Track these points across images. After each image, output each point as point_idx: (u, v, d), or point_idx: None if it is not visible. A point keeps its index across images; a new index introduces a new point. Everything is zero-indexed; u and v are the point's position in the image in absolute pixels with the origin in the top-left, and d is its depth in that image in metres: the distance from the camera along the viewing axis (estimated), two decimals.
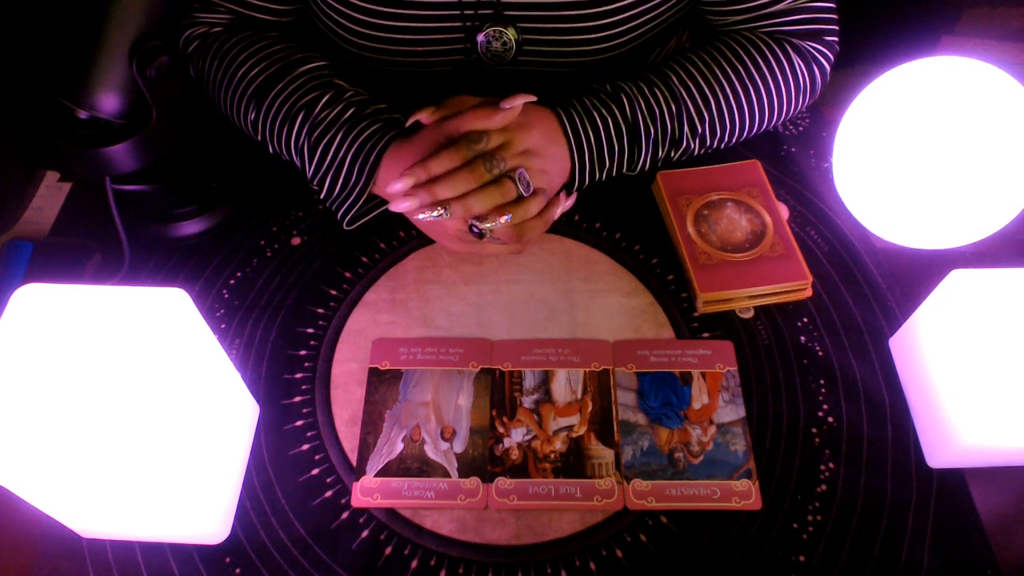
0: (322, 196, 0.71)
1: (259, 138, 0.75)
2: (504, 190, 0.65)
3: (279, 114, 0.71)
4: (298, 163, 0.72)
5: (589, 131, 0.71)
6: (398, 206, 0.65)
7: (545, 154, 0.69)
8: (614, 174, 0.75)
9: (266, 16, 0.78)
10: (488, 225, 0.65)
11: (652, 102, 0.72)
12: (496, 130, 0.67)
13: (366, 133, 0.69)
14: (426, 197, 0.64)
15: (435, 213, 0.64)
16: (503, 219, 0.65)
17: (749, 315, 0.71)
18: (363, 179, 0.69)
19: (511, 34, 0.74)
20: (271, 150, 0.74)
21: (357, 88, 0.73)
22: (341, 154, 0.69)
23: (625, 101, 0.72)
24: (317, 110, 0.70)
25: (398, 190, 0.65)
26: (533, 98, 0.69)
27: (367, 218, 0.72)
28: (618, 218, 0.77)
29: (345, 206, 0.70)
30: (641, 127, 0.72)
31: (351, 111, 0.70)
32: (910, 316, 0.65)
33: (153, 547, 0.59)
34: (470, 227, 0.66)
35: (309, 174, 0.71)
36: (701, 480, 0.61)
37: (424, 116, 0.68)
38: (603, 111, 0.71)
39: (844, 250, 0.75)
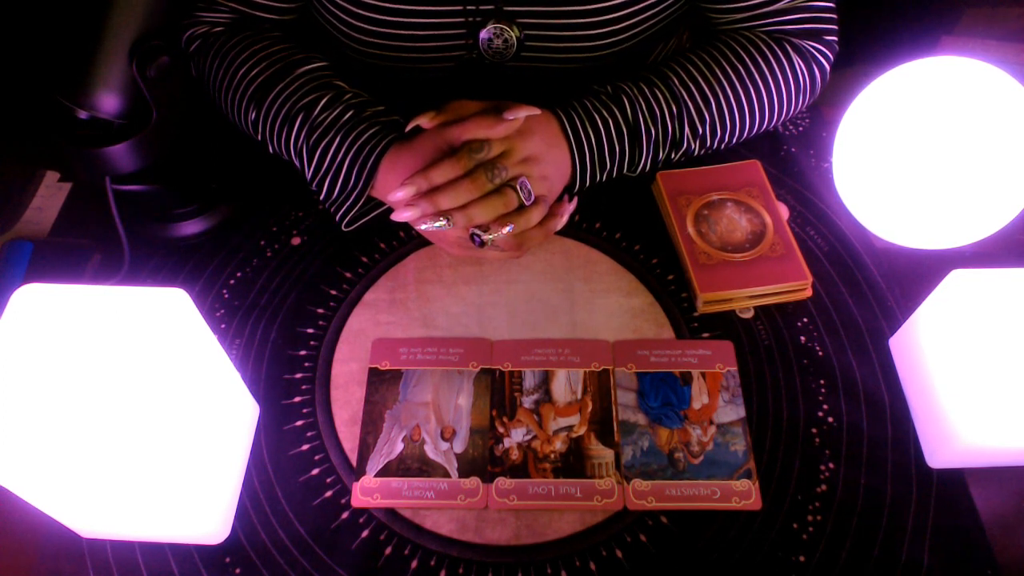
0: (321, 197, 0.71)
1: (259, 138, 0.75)
2: (506, 200, 0.65)
3: (279, 115, 0.71)
4: (297, 164, 0.72)
5: (590, 133, 0.71)
6: (400, 215, 0.65)
7: (546, 160, 0.69)
8: (614, 176, 0.75)
9: (268, 15, 0.78)
10: (490, 236, 0.65)
11: (653, 103, 0.72)
12: (497, 139, 0.67)
13: (365, 136, 0.69)
14: (428, 207, 0.64)
15: (437, 223, 0.64)
16: (505, 230, 0.65)
17: (749, 315, 0.71)
18: (361, 182, 0.69)
19: (513, 32, 0.74)
20: (271, 150, 0.74)
21: (357, 90, 0.73)
22: (340, 157, 0.69)
23: (626, 102, 0.72)
24: (316, 112, 0.70)
25: (399, 199, 0.65)
26: (537, 111, 0.69)
27: (365, 219, 0.72)
28: (618, 218, 0.77)
29: (344, 208, 0.70)
30: (642, 128, 0.72)
31: (350, 113, 0.70)
32: (910, 316, 0.65)
33: (153, 547, 0.59)
34: (471, 236, 0.66)
35: (308, 175, 0.71)
36: (701, 480, 0.61)
37: (424, 121, 0.68)
38: (604, 112, 0.71)
39: (844, 250, 0.75)
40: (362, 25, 0.76)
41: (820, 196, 0.79)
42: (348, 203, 0.70)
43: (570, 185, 0.73)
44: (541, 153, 0.69)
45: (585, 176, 0.72)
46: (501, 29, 0.74)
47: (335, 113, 0.70)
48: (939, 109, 0.64)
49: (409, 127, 0.69)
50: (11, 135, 0.86)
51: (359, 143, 0.69)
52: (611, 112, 0.72)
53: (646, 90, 0.73)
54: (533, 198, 0.67)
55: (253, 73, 0.73)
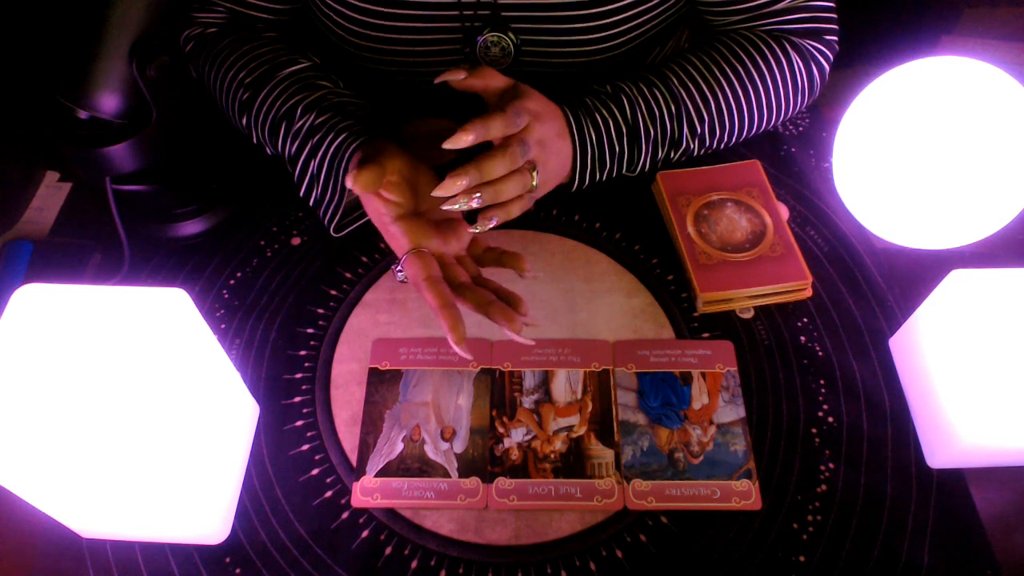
0: (310, 204, 0.71)
1: (255, 142, 0.74)
2: (524, 180, 0.63)
3: (266, 123, 0.71)
4: (289, 170, 0.72)
5: (591, 131, 0.71)
6: (449, 205, 0.61)
7: (551, 148, 0.68)
8: (614, 175, 0.74)
9: (263, 15, 0.78)
10: (459, 205, 0.61)
11: (652, 103, 0.72)
12: (526, 112, 0.64)
13: (335, 145, 0.67)
14: (476, 176, 0.60)
15: (463, 204, 0.61)
16: (474, 202, 0.61)
17: (749, 315, 0.71)
18: (338, 191, 0.68)
19: (509, 39, 0.74)
20: (269, 152, 0.74)
21: (338, 88, 0.73)
22: (314, 166, 0.68)
23: (625, 102, 0.72)
24: (296, 119, 0.69)
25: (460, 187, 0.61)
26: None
27: (354, 226, 0.72)
28: (618, 218, 0.77)
29: (328, 215, 0.70)
30: (641, 128, 0.72)
31: (323, 118, 0.69)
32: (910, 316, 0.65)
33: (153, 547, 0.59)
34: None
35: (295, 182, 0.71)
36: (701, 480, 0.61)
37: (457, 76, 0.65)
38: (604, 112, 0.71)
39: (844, 250, 0.75)
40: (359, 30, 0.76)
41: (820, 196, 0.79)
42: (331, 211, 0.69)
43: (566, 184, 0.72)
44: (549, 141, 0.67)
45: (584, 173, 0.72)
46: (498, 37, 0.74)
47: (310, 120, 0.69)
48: (939, 109, 0.64)
49: (439, 80, 0.65)
50: (11, 135, 0.86)
51: (330, 152, 0.67)
52: (611, 111, 0.71)
53: (645, 90, 0.73)
54: (536, 182, 0.65)
55: (241, 76, 0.73)
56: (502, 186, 0.62)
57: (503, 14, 0.73)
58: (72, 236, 0.77)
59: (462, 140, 0.60)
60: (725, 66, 0.74)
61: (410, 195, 0.63)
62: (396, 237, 0.63)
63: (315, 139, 0.68)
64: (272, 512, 0.60)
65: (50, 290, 0.51)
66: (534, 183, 0.65)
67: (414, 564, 0.58)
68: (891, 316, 0.71)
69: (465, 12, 0.73)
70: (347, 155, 0.66)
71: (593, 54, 0.77)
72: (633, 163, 0.74)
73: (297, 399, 0.66)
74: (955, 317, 0.59)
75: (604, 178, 0.74)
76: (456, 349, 0.59)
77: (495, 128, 0.62)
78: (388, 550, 0.59)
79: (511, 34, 0.74)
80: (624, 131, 0.72)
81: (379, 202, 0.63)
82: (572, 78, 0.78)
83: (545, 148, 0.67)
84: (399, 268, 0.63)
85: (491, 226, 0.63)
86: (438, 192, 0.60)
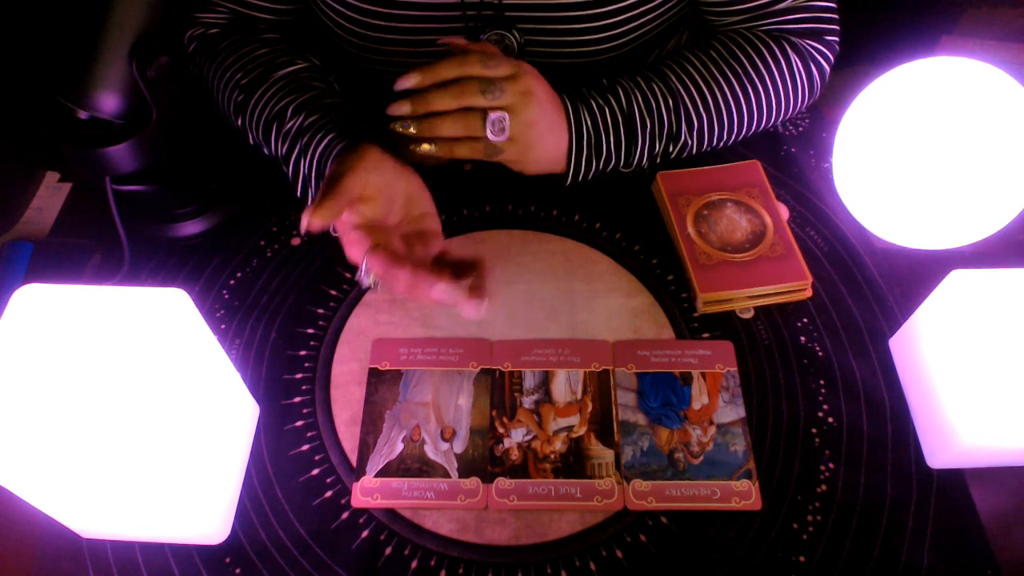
0: (308, 205, 0.71)
1: (251, 142, 0.74)
2: (469, 124, 0.65)
3: (260, 124, 0.71)
4: (284, 170, 0.72)
5: (587, 116, 0.71)
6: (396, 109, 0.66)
7: (544, 110, 0.68)
8: (611, 165, 0.74)
9: (264, 16, 0.78)
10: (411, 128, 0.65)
11: (649, 95, 0.72)
12: (507, 62, 0.66)
13: (321, 146, 0.67)
14: (421, 103, 0.65)
15: (405, 128, 0.65)
16: (408, 128, 0.65)
17: (749, 315, 0.71)
18: None
19: (513, 36, 0.74)
20: (265, 152, 0.74)
21: (332, 89, 0.73)
22: (305, 167, 0.68)
23: (621, 92, 0.72)
24: (287, 120, 0.69)
25: (406, 85, 0.65)
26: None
27: None
28: (618, 218, 0.77)
29: None
30: (637, 117, 0.72)
31: (312, 119, 0.68)
32: (910, 316, 0.65)
33: (153, 547, 0.59)
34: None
35: (290, 182, 0.71)
36: (701, 480, 0.61)
37: (413, 81, 0.66)
38: (600, 100, 0.72)
39: (844, 250, 0.75)
40: (360, 31, 0.76)
41: (820, 196, 0.79)
42: None
43: (562, 175, 0.72)
44: (541, 102, 0.67)
45: (580, 160, 0.71)
46: (501, 35, 0.74)
47: (299, 121, 0.69)
48: (939, 109, 0.64)
49: (398, 86, 0.66)
50: (11, 135, 0.86)
51: (318, 153, 0.67)
52: (607, 100, 0.72)
53: (642, 83, 0.73)
54: (505, 136, 0.66)
55: (237, 77, 0.73)
56: (439, 121, 0.64)
57: (508, 14, 0.73)
58: (72, 236, 0.77)
59: (408, 81, 0.65)
60: (723, 64, 0.74)
61: (384, 209, 0.62)
62: (357, 241, 0.61)
63: (304, 140, 0.68)
64: (272, 512, 0.60)
65: (50, 290, 0.51)
66: (486, 131, 0.65)
67: (414, 564, 0.58)
68: (891, 316, 0.71)
69: (468, 12, 0.73)
70: (332, 157, 0.66)
71: (595, 53, 0.77)
72: (631, 154, 0.74)
73: (297, 399, 0.66)
74: (955, 317, 0.59)
75: (602, 168, 0.74)
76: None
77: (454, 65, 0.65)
78: (388, 550, 0.59)
79: (515, 32, 0.74)
80: (620, 119, 0.72)
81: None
82: (574, 77, 0.78)
83: (534, 102, 0.67)
84: (364, 272, 0.62)
85: (425, 152, 0.66)
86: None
